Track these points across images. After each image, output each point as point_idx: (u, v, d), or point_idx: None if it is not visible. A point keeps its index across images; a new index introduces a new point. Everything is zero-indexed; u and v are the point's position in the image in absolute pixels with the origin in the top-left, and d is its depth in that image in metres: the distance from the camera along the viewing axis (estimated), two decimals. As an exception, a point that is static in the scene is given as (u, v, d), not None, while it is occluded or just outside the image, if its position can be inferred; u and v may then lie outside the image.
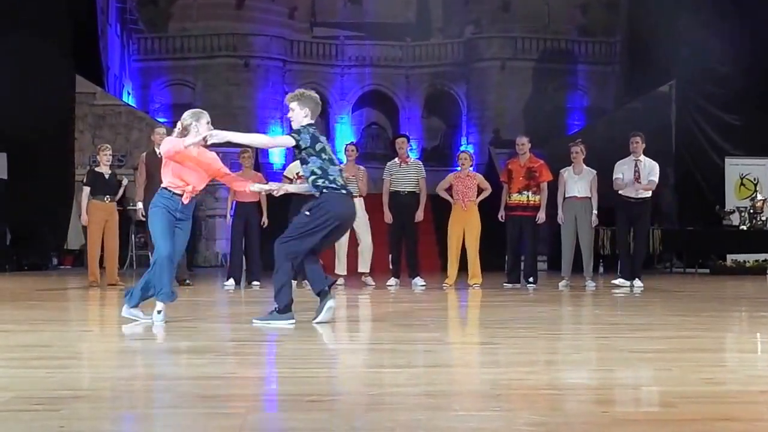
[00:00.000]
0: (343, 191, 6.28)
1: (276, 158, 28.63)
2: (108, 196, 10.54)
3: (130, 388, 3.75)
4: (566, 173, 10.99)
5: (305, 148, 6.19)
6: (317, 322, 6.14)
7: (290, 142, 6.33)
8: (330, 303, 6.28)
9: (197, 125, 6.25)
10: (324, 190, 6.20)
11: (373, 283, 10.90)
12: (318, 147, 6.22)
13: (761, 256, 15.46)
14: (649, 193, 10.82)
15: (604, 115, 24.69)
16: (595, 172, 10.98)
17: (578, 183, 10.89)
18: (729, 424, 3.00)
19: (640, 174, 10.73)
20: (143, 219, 10.90)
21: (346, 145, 11.81)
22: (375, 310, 8.24)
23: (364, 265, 11.05)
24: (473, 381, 4.09)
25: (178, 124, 6.36)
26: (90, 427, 3.03)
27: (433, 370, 4.34)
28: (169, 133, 11.99)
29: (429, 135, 33.46)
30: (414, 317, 7.03)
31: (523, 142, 11.06)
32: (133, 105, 23.92)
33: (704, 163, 17.24)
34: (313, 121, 6.35)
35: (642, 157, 10.81)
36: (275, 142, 7.63)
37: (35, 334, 5.63)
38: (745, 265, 15.27)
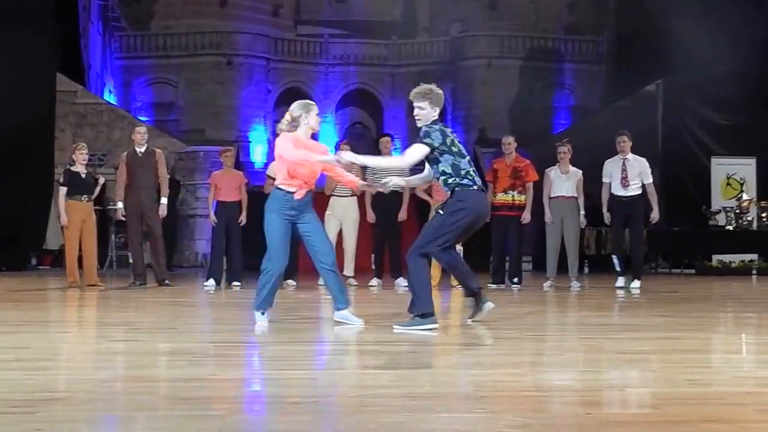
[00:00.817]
0: (475, 187, 6.12)
1: (258, 156, 28.60)
2: (85, 196, 10.46)
3: (109, 390, 3.73)
4: (552, 173, 11.01)
5: (437, 147, 6.05)
6: (474, 321, 6.24)
7: (425, 150, 6.09)
8: (490, 304, 6.33)
9: (307, 117, 6.22)
10: (456, 188, 6.09)
11: (356, 284, 10.89)
12: (449, 141, 6.08)
13: (747, 257, 15.53)
14: (640, 191, 10.80)
15: (590, 114, 24.75)
16: (581, 172, 11.00)
17: (565, 183, 10.91)
18: (714, 426, 3.00)
19: (627, 173, 10.74)
20: (123, 219, 10.86)
21: (340, 143, 11.78)
22: (358, 310, 8.22)
23: (348, 269, 11.03)
24: (457, 383, 4.09)
25: (287, 115, 6.27)
26: (68, 430, 3.01)
27: (416, 372, 4.34)
28: (149, 131, 12.01)
29: (413, 134, 33.30)
30: (397, 318, 7.02)
31: (509, 142, 11.07)
32: (115, 103, 23.80)
33: (691, 163, 17.31)
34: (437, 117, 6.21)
35: (629, 156, 10.82)
36: (412, 158, 6.36)
37: (13, 336, 5.60)
38: (731, 265, 15.33)
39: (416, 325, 5.97)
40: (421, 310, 6.02)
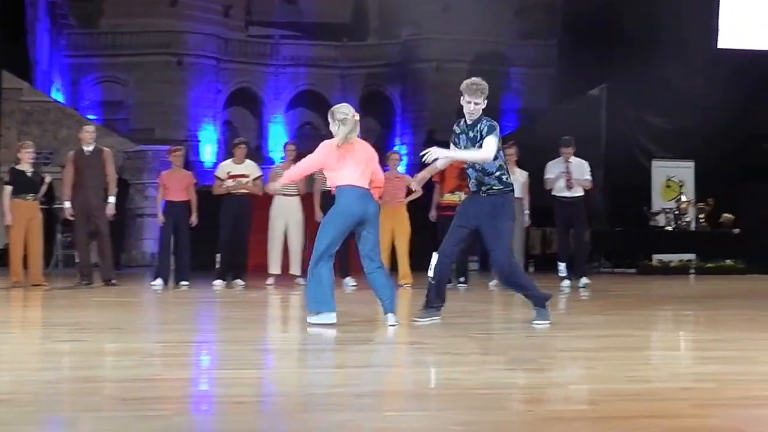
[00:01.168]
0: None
1: (207, 156, 28.41)
2: (30, 195, 10.27)
3: (54, 391, 3.67)
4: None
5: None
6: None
7: (496, 141, 6.26)
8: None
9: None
10: (504, 189, 6.30)
11: (304, 283, 10.84)
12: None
13: (685, 256, 15.78)
14: (582, 192, 10.95)
15: (537, 117, 24.95)
16: (527, 173, 11.11)
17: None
18: (651, 421, 3.04)
19: (570, 174, 10.87)
20: (71, 218, 10.70)
21: (286, 144, 11.74)
22: (304, 311, 8.20)
23: (295, 267, 11.00)
24: (403, 381, 4.10)
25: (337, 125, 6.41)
26: None
27: (363, 371, 4.34)
28: (98, 130, 11.83)
29: (363, 135, 33.27)
30: (344, 317, 7.01)
31: (457, 143, 11.10)
32: (63, 101, 23.43)
33: (632, 165, 17.52)
34: None
35: (572, 158, 10.96)
36: (491, 150, 6.32)
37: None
38: (670, 264, 15.58)
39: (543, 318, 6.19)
40: (545, 299, 6.29)
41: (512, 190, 6.34)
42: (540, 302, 6.25)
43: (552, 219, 11.35)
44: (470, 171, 6.42)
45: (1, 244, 15.33)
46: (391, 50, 32.75)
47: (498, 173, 6.23)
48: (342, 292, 10.06)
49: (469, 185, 6.53)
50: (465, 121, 6.42)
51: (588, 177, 10.98)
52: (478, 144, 6.28)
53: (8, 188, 10.24)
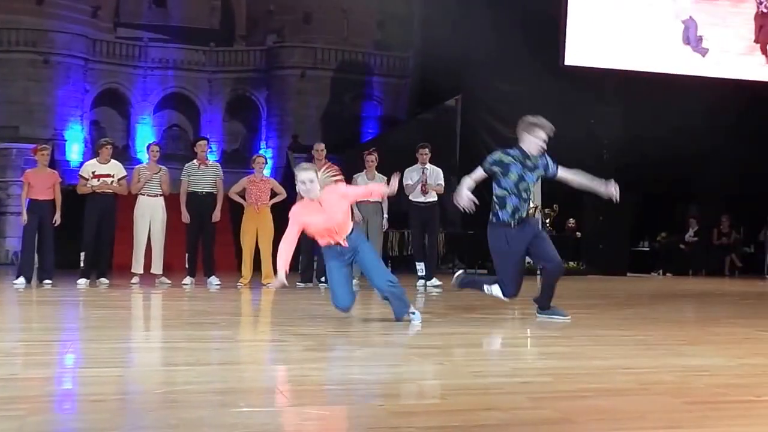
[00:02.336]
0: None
1: (74, 155, 27.57)
2: None
3: None
4: (360, 178, 11.19)
5: None
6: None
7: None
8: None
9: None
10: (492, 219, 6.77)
11: (169, 282, 10.68)
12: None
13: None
14: (436, 198, 11.24)
15: (396, 124, 25.25)
16: (385, 178, 11.22)
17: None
18: (491, 413, 3.14)
19: (427, 180, 11.14)
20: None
21: (149, 144, 11.54)
22: (169, 308, 8.08)
23: (157, 267, 10.82)
24: (261, 378, 4.09)
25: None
26: None
27: (223, 368, 4.30)
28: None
29: (229, 138, 33.14)
30: (208, 316, 6.95)
31: (320, 148, 11.19)
32: None
33: (485, 172, 17.95)
34: None
35: (428, 165, 11.23)
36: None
37: None
38: (519, 266, 16.04)
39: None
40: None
41: (497, 222, 6.64)
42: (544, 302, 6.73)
43: (408, 222, 11.57)
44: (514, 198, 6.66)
45: None
46: (256, 56, 32.60)
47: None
48: (206, 291, 9.95)
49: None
50: (524, 152, 6.65)
51: (441, 182, 11.26)
52: (537, 174, 6.72)
53: None
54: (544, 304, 6.83)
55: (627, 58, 17.49)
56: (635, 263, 17.99)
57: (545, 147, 6.67)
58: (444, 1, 18.96)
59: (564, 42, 17.54)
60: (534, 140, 6.64)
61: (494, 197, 6.70)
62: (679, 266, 18.22)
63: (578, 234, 16.89)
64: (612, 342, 5.56)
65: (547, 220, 16.85)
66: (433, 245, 11.47)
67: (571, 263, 16.25)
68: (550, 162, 6.77)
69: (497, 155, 6.69)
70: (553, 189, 17.27)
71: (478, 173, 6.65)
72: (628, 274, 16.99)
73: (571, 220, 17.05)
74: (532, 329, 6.37)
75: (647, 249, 19.17)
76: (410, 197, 11.18)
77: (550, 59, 17.52)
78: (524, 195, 6.66)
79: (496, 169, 6.64)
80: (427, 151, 11.25)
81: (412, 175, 11.19)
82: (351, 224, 6.41)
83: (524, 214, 6.70)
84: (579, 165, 17.66)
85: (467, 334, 5.89)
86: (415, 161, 11.37)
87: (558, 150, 18.04)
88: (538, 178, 6.82)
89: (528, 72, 17.17)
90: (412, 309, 6.41)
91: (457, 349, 5.06)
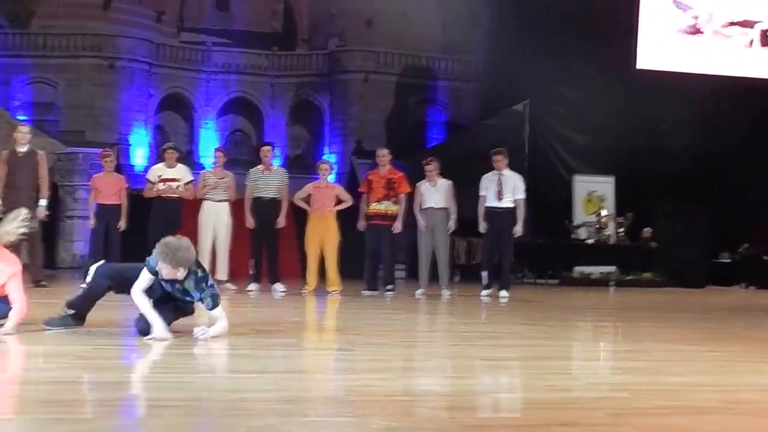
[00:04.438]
0: None
1: (138, 160, 27.98)
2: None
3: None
4: (423, 186, 11.14)
5: None
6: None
7: None
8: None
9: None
10: None
11: (234, 288, 10.76)
12: None
13: (606, 269, 16.05)
14: (512, 204, 11.01)
15: (462, 129, 25.16)
16: (450, 182, 11.16)
17: (434, 194, 11.06)
18: (569, 429, 3.08)
19: (502, 186, 10.96)
20: (1, 217, 10.44)
21: (215, 149, 11.69)
22: (234, 315, 8.13)
23: (222, 273, 10.90)
24: (327, 387, 4.08)
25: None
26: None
27: (288, 376, 4.31)
28: (33, 132, 11.58)
29: (293, 143, 33.36)
30: (272, 323, 6.98)
31: (384, 154, 11.17)
32: (-8, 102, 22.93)
33: (554, 180, 17.80)
34: None
35: (506, 171, 11.07)
36: None
37: None
38: (591, 276, 15.83)
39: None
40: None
41: None
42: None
43: (476, 229, 11.41)
44: None
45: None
46: (318, 60, 32.78)
47: None
48: (271, 298, 10.00)
49: None
50: None
51: (521, 196, 10.99)
52: None
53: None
54: None
55: (701, 61, 17.20)
56: (716, 275, 17.51)
57: None
58: (510, 4, 18.87)
59: (636, 45, 17.33)
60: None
61: None
62: (763, 279, 17.65)
63: (653, 244, 16.61)
64: (690, 357, 5.43)
65: (621, 230, 16.60)
66: (506, 254, 11.21)
67: (645, 274, 15.98)
68: None
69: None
70: (627, 197, 17.06)
71: None
72: (708, 287, 16.58)
73: (646, 230, 16.78)
74: (605, 342, 6.28)
75: (728, 261, 18.65)
76: (486, 202, 11.03)
77: (620, 63, 17.33)
78: None
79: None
80: (501, 157, 11.09)
81: (487, 183, 11.06)
82: None
83: None
84: (650, 173, 17.42)
85: (538, 346, 5.81)
86: (481, 167, 11.28)
87: (627, 158, 17.81)
88: None
89: (597, 76, 16.98)
90: None
91: (529, 362, 5.00)
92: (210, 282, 5.56)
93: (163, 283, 5.50)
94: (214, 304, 5.56)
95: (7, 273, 5.52)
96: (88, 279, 5.79)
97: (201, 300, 5.57)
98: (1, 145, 14.97)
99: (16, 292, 5.52)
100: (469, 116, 26.60)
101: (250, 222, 10.87)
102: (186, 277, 5.43)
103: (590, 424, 3.16)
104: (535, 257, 16.53)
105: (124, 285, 5.66)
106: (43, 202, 10.25)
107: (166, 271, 5.36)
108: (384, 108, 30.87)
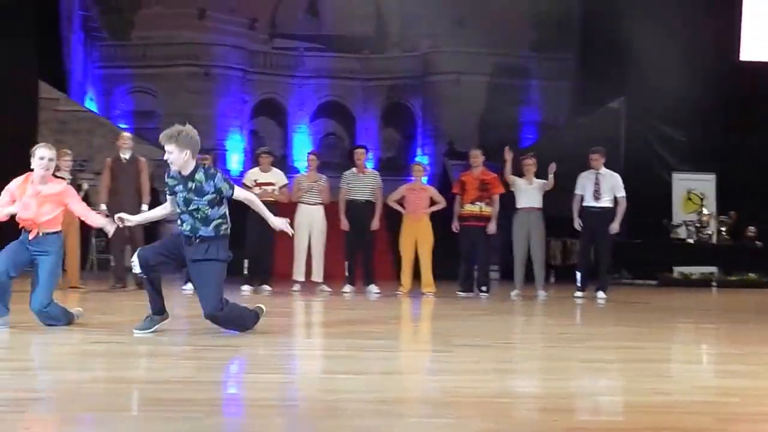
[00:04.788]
0: None
1: (234, 165, 28.50)
2: (68, 201, 10.32)
3: (90, 391, 3.68)
4: (518, 182, 11.01)
5: None
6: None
7: None
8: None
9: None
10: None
11: (329, 289, 10.85)
12: None
13: (707, 269, 15.63)
14: (611, 204, 10.83)
15: (556, 129, 24.89)
16: (544, 182, 10.98)
17: (530, 193, 10.94)
18: (675, 433, 3.02)
19: (600, 186, 10.80)
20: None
21: (308, 153, 11.80)
22: (330, 317, 8.21)
23: (317, 275, 10.99)
24: (426, 388, 4.08)
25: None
26: (55, 430, 2.98)
27: (386, 377, 4.33)
28: (134, 140, 11.88)
29: (385, 145, 33.51)
30: (368, 324, 7.01)
31: (477, 155, 11.11)
32: (96, 111, 23.68)
33: (652, 178, 17.41)
34: None
35: (603, 170, 10.90)
36: None
37: (-7, 338, 5.52)
38: (692, 277, 15.44)
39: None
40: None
41: None
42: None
43: (572, 229, 11.24)
44: None
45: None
46: (411, 63, 32.79)
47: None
48: (366, 299, 10.05)
49: None
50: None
51: (621, 194, 10.83)
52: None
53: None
54: None
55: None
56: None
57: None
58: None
59: (739, 37, 16.85)
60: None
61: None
62: None
63: (758, 243, 16.09)
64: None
65: (724, 228, 16.15)
66: (603, 254, 11.01)
67: (751, 275, 15.49)
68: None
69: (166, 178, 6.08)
70: (730, 195, 16.57)
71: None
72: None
73: (751, 229, 16.26)
74: (709, 344, 6.12)
75: None
76: (583, 202, 10.88)
77: (722, 55, 16.86)
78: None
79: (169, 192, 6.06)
80: (598, 155, 10.92)
81: (584, 182, 10.91)
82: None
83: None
84: (753, 170, 16.85)
85: (638, 348, 5.71)
86: (575, 167, 11.12)
87: (729, 154, 17.27)
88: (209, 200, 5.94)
89: (697, 70, 16.56)
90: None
91: (631, 364, 4.91)
92: (221, 173, 6.05)
93: (179, 191, 5.88)
94: (232, 188, 5.97)
95: (60, 199, 6.17)
96: (136, 269, 5.91)
97: (218, 190, 5.88)
98: (104, 152, 15.45)
99: (77, 206, 6.35)
100: (562, 115, 26.28)
101: (344, 224, 10.94)
102: (195, 170, 5.84)
103: (697, 430, 3.08)
104: (633, 257, 16.19)
105: (170, 254, 6.01)
106: (144, 207, 10.50)
107: (173, 157, 5.77)
108: (476, 109, 30.72)
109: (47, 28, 18.04)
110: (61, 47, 20.13)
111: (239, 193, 6.10)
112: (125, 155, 10.64)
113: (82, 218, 6.56)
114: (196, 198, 5.89)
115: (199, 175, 5.88)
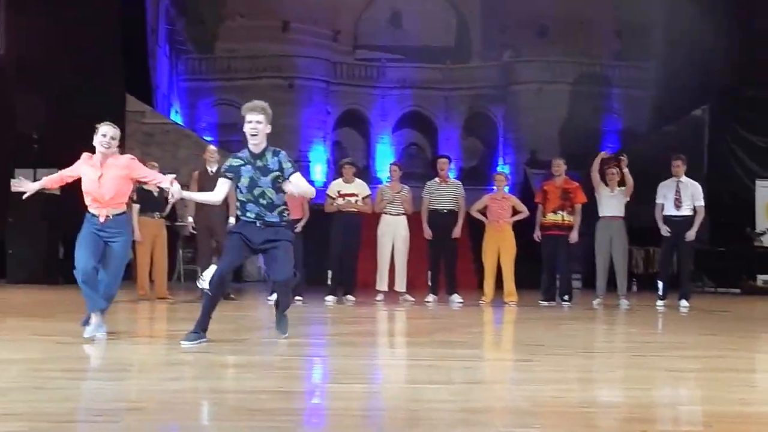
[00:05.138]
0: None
1: (318, 176, 28.78)
2: (156, 213, 10.56)
3: (180, 401, 3.78)
4: (603, 190, 10.94)
5: None
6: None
7: None
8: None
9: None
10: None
11: (412, 299, 10.90)
12: None
13: (792, 278, 15.27)
14: (691, 212, 10.71)
15: (638, 138, 24.55)
16: (622, 188, 10.89)
17: (612, 202, 10.85)
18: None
19: (680, 194, 10.69)
20: (193, 232, 10.98)
21: (391, 164, 11.88)
22: (414, 326, 8.26)
23: (400, 284, 11.04)
24: (510, 398, 4.09)
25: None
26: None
27: (471, 387, 4.35)
28: (220, 152, 12.14)
29: (467, 155, 33.44)
30: (452, 334, 7.04)
31: (559, 164, 11.06)
32: (181, 123, 24.18)
33: (735, 185, 17.08)
34: None
35: (683, 179, 10.79)
36: None
37: (88, 346, 5.69)
38: (776, 285, 15.09)
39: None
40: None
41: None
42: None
43: (654, 238, 11.11)
44: None
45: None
46: (492, 72, 32.70)
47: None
48: (449, 309, 10.07)
49: None
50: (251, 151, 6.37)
51: (700, 203, 10.71)
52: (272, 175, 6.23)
53: (136, 207, 10.50)
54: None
55: None
56: None
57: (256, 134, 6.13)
58: (686, 7, 18.27)
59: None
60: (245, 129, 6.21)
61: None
62: None
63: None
64: None
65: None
66: (685, 262, 10.86)
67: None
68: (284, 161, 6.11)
69: (228, 161, 6.34)
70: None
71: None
72: None
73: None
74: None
75: None
76: (663, 211, 10.77)
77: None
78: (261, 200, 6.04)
79: (230, 175, 6.27)
80: (680, 162, 10.80)
81: (665, 191, 10.80)
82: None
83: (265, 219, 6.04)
84: None
85: (723, 357, 5.62)
86: (658, 176, 10.99)
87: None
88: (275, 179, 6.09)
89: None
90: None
91: (716, 373, 4.84)
92: (285, 153, 6.30)
93: (245, 173, 6.15)
94: (293, 167, 6.19)
95: (127, 173, 6.37)
96: (205, 285, 6.07)
97: (282, 169, 6.10)
98: (189, 164, 15.79)
99: (143, 171, 6.57)
100: (644, 124, 25.90)
101: (427, 233, 10.98)
102: (266, 149, 6.18)
103: (784, 441, 3.05)
104: (715, 265, 15.88)
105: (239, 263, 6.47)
106: (232, 220, 10.67)
107: (261, 127, 6.27)
108: (558, 117, 30.47)
109: (133, 42, 18.53)
110: (147, 61, 20.65)
111: (298, 178, 6.22)
112: (212, 168, 10.84)
113: (152, 181, 6.76)
114: (262, 177, 6.03)
115: (268, 154, 6.18)
